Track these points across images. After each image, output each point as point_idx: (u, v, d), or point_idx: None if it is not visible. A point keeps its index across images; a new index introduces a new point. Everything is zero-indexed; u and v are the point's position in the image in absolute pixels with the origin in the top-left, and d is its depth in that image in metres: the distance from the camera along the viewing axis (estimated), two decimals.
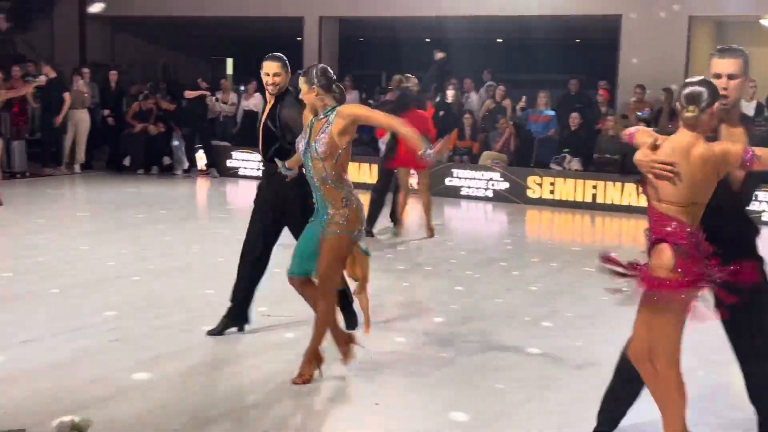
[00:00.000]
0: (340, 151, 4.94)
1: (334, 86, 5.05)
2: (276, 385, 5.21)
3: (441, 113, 14.88)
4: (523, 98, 15.77)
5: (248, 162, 15.96)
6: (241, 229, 6.32)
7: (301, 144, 5.12)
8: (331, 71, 5.09)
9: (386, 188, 10.75)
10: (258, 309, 6.42)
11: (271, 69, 5.84)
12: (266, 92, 5.99)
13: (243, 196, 15.02)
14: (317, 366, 5.23)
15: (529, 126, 15.07)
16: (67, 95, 15.21)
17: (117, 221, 11.03)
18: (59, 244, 9.36)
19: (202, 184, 15.43)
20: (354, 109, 5.27)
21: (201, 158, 16.29)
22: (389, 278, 8.20)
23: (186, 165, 16.20)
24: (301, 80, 5.06)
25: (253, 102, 16.54)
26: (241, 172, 16.02)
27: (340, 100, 5.07)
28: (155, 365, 5.49)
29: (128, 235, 10.06)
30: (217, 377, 5.39)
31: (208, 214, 13.16)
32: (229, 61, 24.59)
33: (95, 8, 17.22)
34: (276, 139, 5.89)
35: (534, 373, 5.59)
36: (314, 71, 5.03)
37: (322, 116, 5.03)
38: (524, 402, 5.07)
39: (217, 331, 6.11)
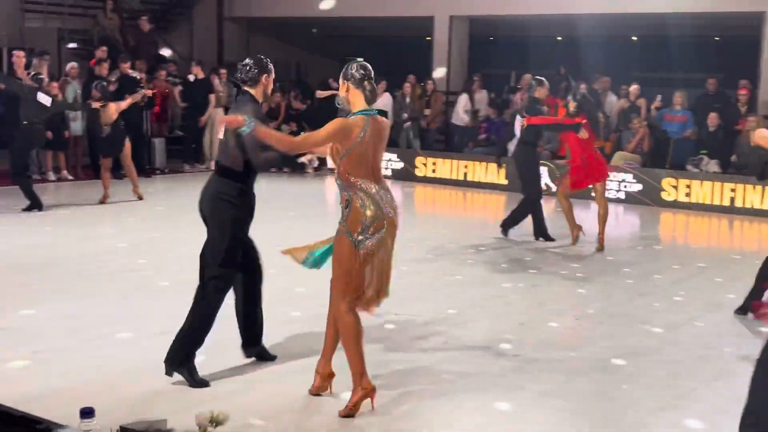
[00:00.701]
0: (341, 157, 4.74)
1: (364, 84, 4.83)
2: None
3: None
4: (658, 97, 15.32)
5: None
6: None
7: None
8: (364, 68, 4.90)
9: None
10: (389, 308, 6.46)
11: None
12: None
13: None
14: (365, 393, 4.70)
15: (664, 126, 14.64)
16: (212, 96, 15.80)
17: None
18: (197, 237, 9.68)
19: (331, 183, 15.66)
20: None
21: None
22: (512, 279, 8.14)
23: (317, 163, 16.42)
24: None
25: (382, 101, 16.67)
26: None
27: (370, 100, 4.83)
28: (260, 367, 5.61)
29: (255, 229, 10.30)
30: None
31: (335, 211, 13.33)
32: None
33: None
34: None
35: (665, 382, 5.43)
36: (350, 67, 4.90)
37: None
38: (657, 410, 4.94)
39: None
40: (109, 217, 11.02)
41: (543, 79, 10.28)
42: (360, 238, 4.67)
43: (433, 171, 15.60)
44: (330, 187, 15.32)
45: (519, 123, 10.52)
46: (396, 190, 15.12)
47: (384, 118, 4.83)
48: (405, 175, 15.73)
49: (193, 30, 20.59)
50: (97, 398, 4.46)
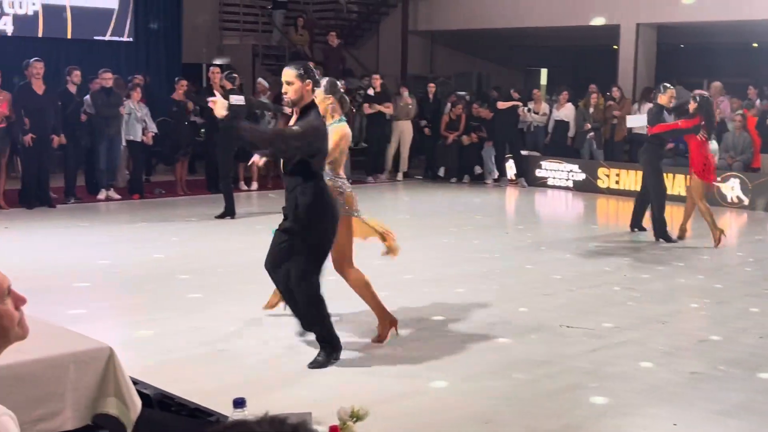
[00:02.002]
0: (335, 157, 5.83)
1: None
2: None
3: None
4: None
5: (557, 172, 15.89)
6: (543, 237, 6.32)
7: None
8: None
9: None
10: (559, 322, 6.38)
11: (285, 77, 5.40)
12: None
13: (550, 206, 15.00)
14: (391, 326, 6.04)
15: None
16: (387, 107, 16.12)
17: (430, 227, 11.47)
18: (376, 246, 9.90)
19: (511, 194, 15.59)
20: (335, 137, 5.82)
21: (511, 168, 16.47)
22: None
23: (496, 174, 16.44)
24: (318, 90, 5.64)
25: (564, 112, 16.44)
26: (550, 182, 15.98)
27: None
28: (451, 371, 5.65)
29: (438, 240, 10.43)
30: (521, 387, 5.42)
31: (514, 223, 13.25)
32: (543, 71, 24.61)
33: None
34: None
35: None
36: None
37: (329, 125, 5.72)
38: None
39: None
40: None
41: (668, 85, 10.61)
42: (358, 209, 6.06)
43: (617, 182, 15.20)
44: (510, 198, 15.26)
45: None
46: (577, 201, 14.87)
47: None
48: (587, 187, 15.42)
49: (378, 44, 21.08)
50: (270, 394, 4.65)
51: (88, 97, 12.84)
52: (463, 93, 18.04)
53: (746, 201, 13.60)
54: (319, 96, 5.68)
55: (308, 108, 5.38)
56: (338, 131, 5.89)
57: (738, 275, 8.91)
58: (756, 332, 6.68)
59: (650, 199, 10.67)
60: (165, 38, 17.79)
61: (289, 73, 5.33)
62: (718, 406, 5.07)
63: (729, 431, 4.74)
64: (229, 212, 11.61)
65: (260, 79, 15.57)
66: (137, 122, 13.12)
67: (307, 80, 5.32)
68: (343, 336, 5.82)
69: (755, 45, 19.71)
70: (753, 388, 5.41)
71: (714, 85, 15.68)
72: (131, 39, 17.21)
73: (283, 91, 5.43)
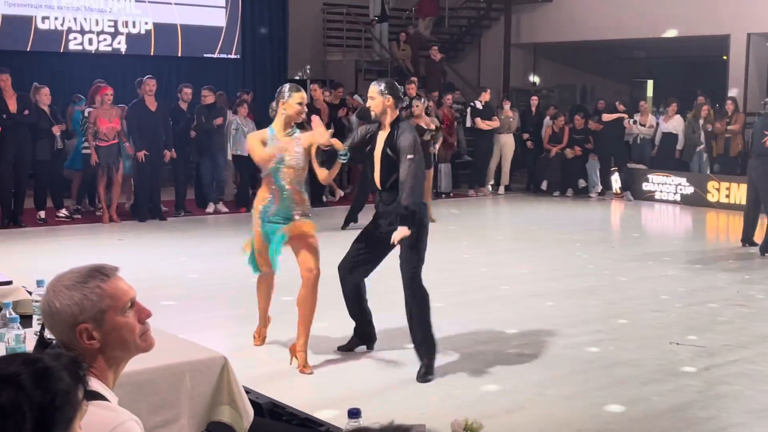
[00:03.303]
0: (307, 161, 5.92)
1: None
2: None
3: None
4: None
5: (665, 185, 15.54)
6: (651, 252, 6.19)
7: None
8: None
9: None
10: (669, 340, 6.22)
11: (369, 92, 5.77)
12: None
13: (657, 220, 14.66)
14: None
15: None
16: (495, 119, 16.10)
17: (532, 241, 11.37)
18: (479, 259, 9.89)
19: (616, 208, 15.30)
20: None
21: (616, 181, 16.18)
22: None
23: (600, 188, 16.18)
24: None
25: (672, 124, 16.05)
26: (657, 195, 15.63)
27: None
28: (553, 385, 5.59)
29: (541, 254, 10.33)
30: (621, 395, 5.33)
31: (620, 237, 12.99)
32: (650, 83, 24.10)
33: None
34: (396, 167, 5.61)
35: None
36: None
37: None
38: None
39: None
40: None
41: None
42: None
43: (727, 196, 14.76)
44: (615, 212, 14.98)
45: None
46: (686, 215, 14.49)
47: None
48: (696, 201, 15.02)
49: (480, 57, 21.04)
50: (365, 404, 4.69)
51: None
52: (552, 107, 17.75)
53: None
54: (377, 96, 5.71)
55: (397, 121, 5.68)
56: None
57: None
58: None
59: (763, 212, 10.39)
60: (271, 55, 18.18)
61: (372, 90, 5.71)
62: None
63: None
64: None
65: (355, 96, 15.69)
66: (244, 137, 13.42)
67: (388, 96, 5.61)
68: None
69: None
70: None
71: None
72: (238, 56, 17.66)
73: (368, 104, 5.75)
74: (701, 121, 15.74)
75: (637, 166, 16.14)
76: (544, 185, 16.71)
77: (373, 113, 5.70)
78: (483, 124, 16.09)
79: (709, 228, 13.74)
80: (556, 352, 6.27)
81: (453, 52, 20.78)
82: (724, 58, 17.72)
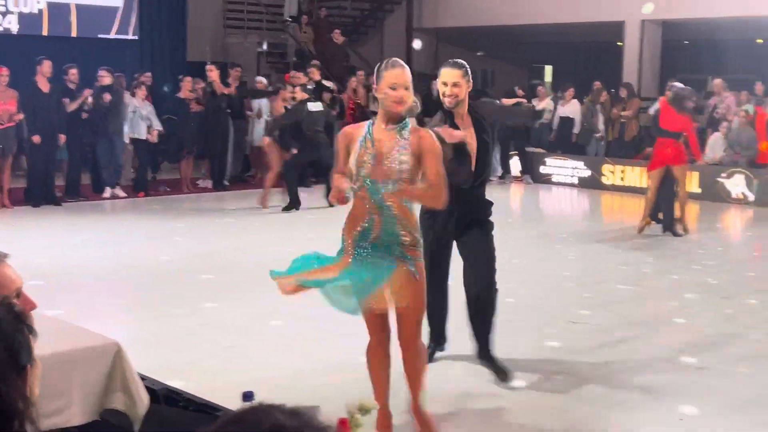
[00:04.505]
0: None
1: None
2: None
3: None
4: None
5: (561, 168, 15.90)
6: (550, 234, 6.31)
7: None
8: None
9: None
10: None
11: (450, 78, 4.91)
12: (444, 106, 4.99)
13: (555, 202, 14.99)
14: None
15: None
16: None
17: None
18: None
19: (516, 191, 15.59)
20: None
21: (515, 165, 16.48)
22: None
23: (500, 171, 16.44)
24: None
25: (570, 109, 16.41)
26: (554, 178, 15.99)
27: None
28: (451, 366, 5.64)
29: None
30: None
31: (519, 219, 13.23)
32: (548, 68, 24.60)
33: (416, 45, 17.97)
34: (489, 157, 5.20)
35: None
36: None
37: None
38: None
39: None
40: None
41: None
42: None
43: (622, 179, 15.19)
44: (515, 195, 15.22)
45: None
46: (582, 198, 14.86)
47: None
48: (592, 183, 15.41)
49: (383, 41, 21.06)
50: (276, 392, 4.66)
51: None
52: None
53: (751, 197, 13.58)
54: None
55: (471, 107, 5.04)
56: None
57: (742, 271, 8.89)
58: (762, 329, 6.68)
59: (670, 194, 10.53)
60: (169, 36, 17.80)
61: (454, 74, 4.88)
62: (727, 400, 5.08)
63: (741, 425, 4.75)
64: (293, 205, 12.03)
65: (260, 78, 15.52)
66: (142, 120, 13.14)
67: (470, 80, 4.94)
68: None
69: (760, 41, 19.67)
70: (763, 383, 5.41)
71: (715, 82, 15.64)
72: (136, 37, 17.23)
73: (448, 94, 4.88)
74: (598, 107, 16.15)
75: (535, 150, 16.46)
76: None
77: (453, 101, 4.89)
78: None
79: (604, 210, 14.12)
80: (451, 335, 6.34)
81: (356, 36, 20.73)
82: (620, 44, 18.18)
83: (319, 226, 11.00)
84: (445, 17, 19.93)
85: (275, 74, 18.05)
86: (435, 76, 17.30)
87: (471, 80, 4.91)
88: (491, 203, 5.34)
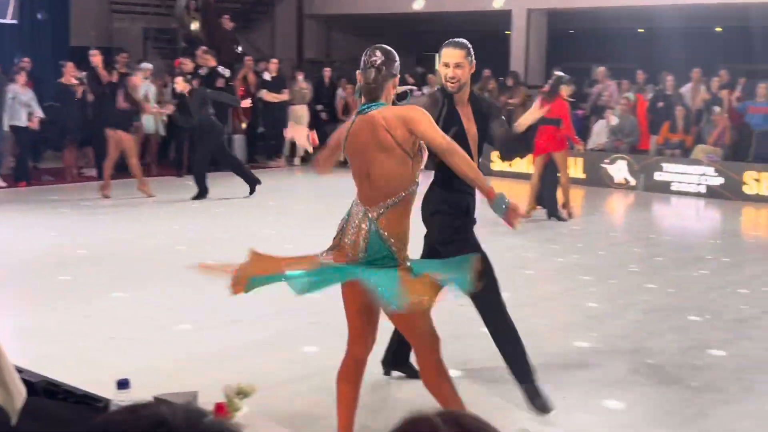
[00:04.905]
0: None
1: None
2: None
3: (659, 104, 14.59)
4: (738, 88, 14.92)
5: None
6: None
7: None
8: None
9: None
10: None
11: (452, 58, 4.50)
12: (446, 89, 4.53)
13: None
14: None
15: (747, 118, 14.24)
16: (285, 92, 16.01)
17: (331, 208, 11.44)
18: (287, 231, 9.85)
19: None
20: None
21: None
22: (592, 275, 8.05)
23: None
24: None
25: None
26: None
27: None
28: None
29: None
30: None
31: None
32: (437, 57, 24.83)
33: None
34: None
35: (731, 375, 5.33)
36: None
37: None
38: (720, 403, 4.85)
39: None
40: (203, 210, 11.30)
41: None
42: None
43: (509, 165, 15.48)
44: None
45: None
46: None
47: (374, 113, 3.77)
48: (482, 169, 15.62)
49: (274, 28, 20.87)
50: (164, 386, 4.58)
51: None
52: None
53: (633, 182, 14.06)
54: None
55: (471, 95, 4.64)
56: None
57: (623, 253, 9.19)
58: (639, 308, 6.93)
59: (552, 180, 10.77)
60: (52, 20, 17.21)
61: (456, 54, 4.46)
62: (601, 377, 5.25)
63: (611, 402, 4.91)
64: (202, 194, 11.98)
65: (146, 64, 15.06)
66: (21, 107, 12.67)
67: (473, 60, 4.52)
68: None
69: (641, 30, 20.35)
70: (637, 361, 5.61)
71: (599, 70, 16.13)
72: (15, 21, 16.59)
73: (450, 76, 4.45)
74: (487, 95, 16.41)
75: None
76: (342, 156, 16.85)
77: (456, 85, 4.46)
78: (269, 97, 15.97)
79: None
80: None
81: (246, 22, 20.47)
82: (507, 33, 18.48)
83: (202, 216, 10.88)
84: (335, 4, 19.88)
85: (162, 60, 17.69)
86: (327, 63, 17.20)
87: (474, 61, 4.52)
88: None
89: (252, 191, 12.18)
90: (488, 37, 22.07)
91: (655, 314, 6.71)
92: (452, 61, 4.46)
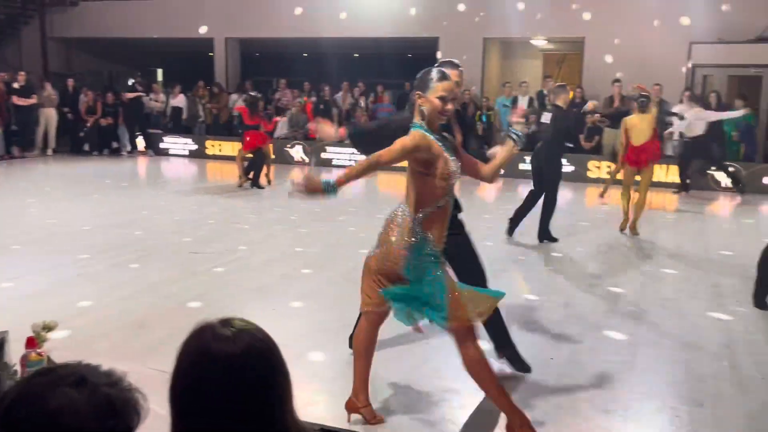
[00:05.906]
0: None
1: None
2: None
3: (321, 106, 15.22)
4: (371, 95, 16.02)
5: (176, 144, 15.82)
6: (177, 191, 6.24)
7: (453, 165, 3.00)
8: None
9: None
10: None
11: (455, 78, 3.24)
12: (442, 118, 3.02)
13: (174, 168, 14.83)
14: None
15: (378, 115, 15.28)
16: (34, 96, 14.75)
17: (78, 190, 10.77)
18: (45, 213, 9.12)
19: (143, 161, 15.12)
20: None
21: (141, 142, 15.98)
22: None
23: (129, 147, 15.84)
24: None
25: (178, 101, 16.32)
26: (171, 151, 15.84)
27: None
28: (102, 296, 5.56)
29: (88, 199, 9.87)
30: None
31: (146, 183, 12.90)
32: (159, 71, 23.76)
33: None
34: None
35: None
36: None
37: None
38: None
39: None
40: None
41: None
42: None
43: (220, 151, 15.49)
44: (142, 165, 14.72)
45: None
46: (193, 164, 14.83)
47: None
48: (197, 154, 15.42)
49: (21, 46, 18.73)
50: None
51: None
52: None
53: (307, 160, 14.67)
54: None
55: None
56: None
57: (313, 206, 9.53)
58: (224, 264, 7.33)
59: None
60: None
61: (453, 73, 3.17)
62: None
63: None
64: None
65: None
66: None
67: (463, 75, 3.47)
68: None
69: (305, 54, 20.95)
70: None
71: (281, 82, 16.50)
72: None
73: (452, 97, 2.98)
74: (204, 100, 16.19)
75: (154, 131, 16.07)
76: (86, 147, 15.79)
77: (453, 108, 3.02)
78: (19, 101, 14.64)
79: (209, 173, 14.27)
80: (106, 269, 6.19)
81: None
82: (210, 54, 18.19)
83: None
84: (75, 28, 18.28)
85: None
86: (70, 75, 15.87)
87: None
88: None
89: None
90: (198, 57, 21.59)
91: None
92: (456, 81, 3.33)
